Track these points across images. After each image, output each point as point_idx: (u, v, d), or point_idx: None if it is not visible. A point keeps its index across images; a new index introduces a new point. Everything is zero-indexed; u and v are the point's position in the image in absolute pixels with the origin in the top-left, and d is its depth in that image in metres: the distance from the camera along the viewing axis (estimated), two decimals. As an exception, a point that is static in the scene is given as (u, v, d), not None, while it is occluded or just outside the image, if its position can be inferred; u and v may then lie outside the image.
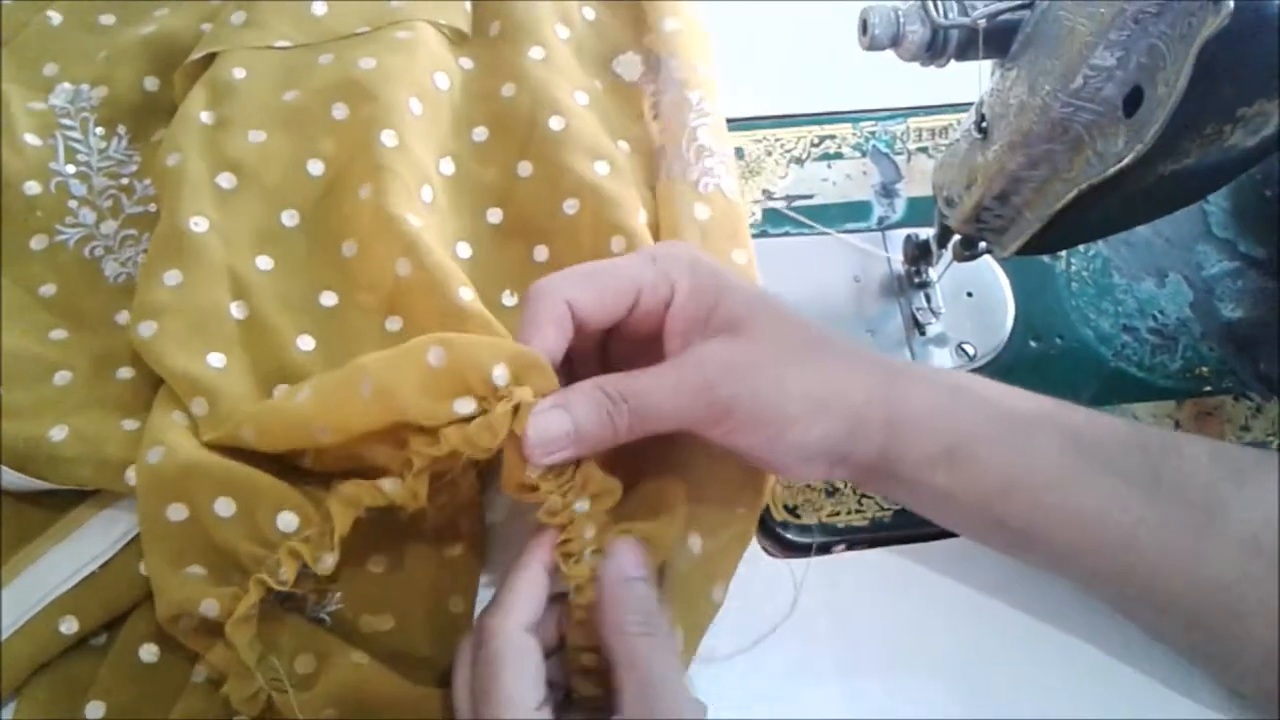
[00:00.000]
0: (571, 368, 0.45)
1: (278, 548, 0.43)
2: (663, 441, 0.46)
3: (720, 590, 0.47)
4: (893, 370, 0.46)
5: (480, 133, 0.58)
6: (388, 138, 0.54)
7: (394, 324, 0.51)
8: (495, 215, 0.57)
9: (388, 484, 0.44)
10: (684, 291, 0.44)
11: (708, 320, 0.44)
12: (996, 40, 0.45)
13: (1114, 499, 0.44)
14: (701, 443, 0.46)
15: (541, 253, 0.56)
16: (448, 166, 0.57)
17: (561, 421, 0.42)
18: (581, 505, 0.44)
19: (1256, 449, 0.48)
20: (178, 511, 0.44)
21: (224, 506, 0.44)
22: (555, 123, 0.56)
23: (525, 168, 0.56)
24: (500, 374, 0.41)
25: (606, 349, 0.48)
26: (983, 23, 0.45)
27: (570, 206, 0.55)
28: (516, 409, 0.41)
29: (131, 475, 0.46)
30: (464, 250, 0.56)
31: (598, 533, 0.44)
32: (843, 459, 0.45)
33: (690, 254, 0.46)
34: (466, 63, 0.60)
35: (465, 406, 0.42)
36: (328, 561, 0.44)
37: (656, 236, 0.55)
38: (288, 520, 0.44)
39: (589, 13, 0.63)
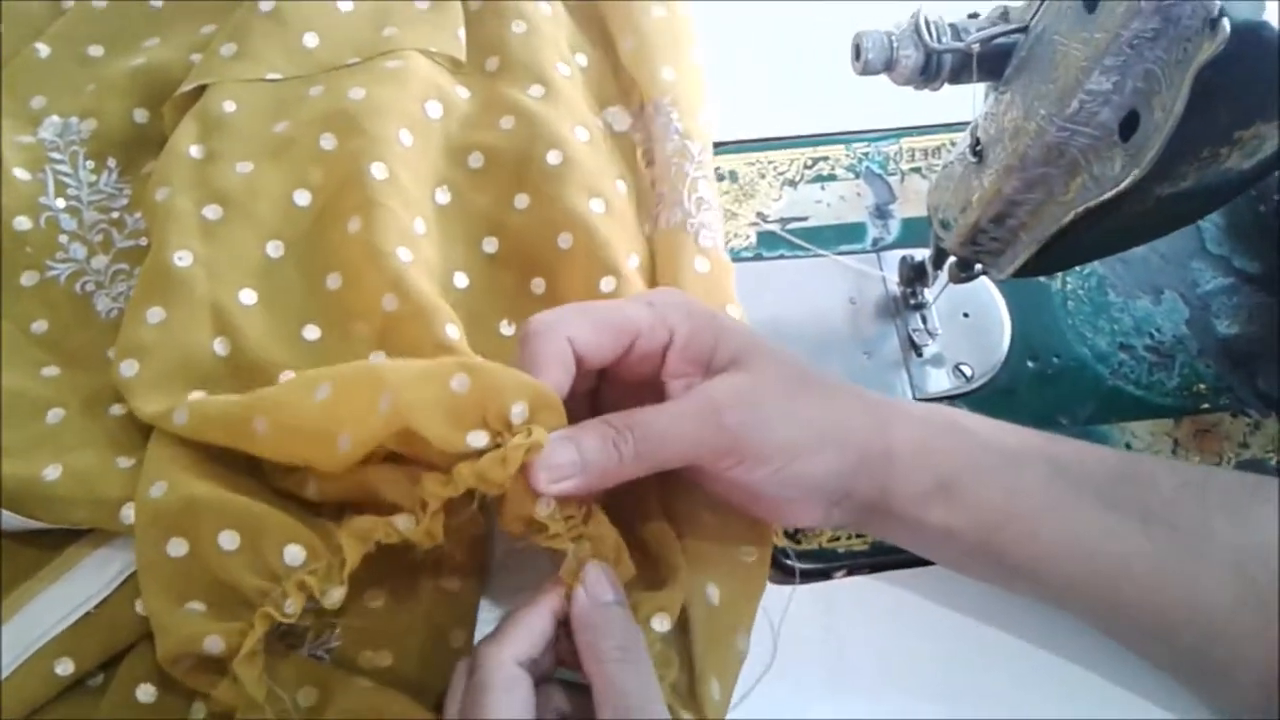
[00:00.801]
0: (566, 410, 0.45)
1: (284, 581, 0.43)
2: (664, 494, 0.46)
3: (744, 639, 0.47)
4: (885, 406, 0.46)
5: (476, 159, 0.58)
6: (377, 170, 0.54)
7: (380, 359, 0.51)
8: (491, 245, 0.57)
9: (402, 521, 0.43)
10: (683, 335, 0.44)
11: (709, 362, 0.45)
12: (990, 64, 0.45)
13: (1106, 530, 0.44)
14: (703, 494, 0.46)
15: (539, 285, 0.55)
16: (443, 195, 0.57)
17: (567, 450, 0.42)
18: None
19: (1246, 474, 0.48)
20: (178, 546, 0.44)
21: (228, 540, 0.43)
22: (553, 156, 0.56)
23: (522, 200, 0.56)
24: (519, 411, 0.41)
25: (598, 395, 0.48)
26: (976, 47, 0.45)
27: (564, 241, 0.54)
28: (530, 450, 0.41)
29: (127, 513, 0.46)
30: (461, 280, 0.55)
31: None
32: (845, 496, 0.45)
33: (685, 299, 0.46)
34: (463, 92, 0.60)
35: (478, 440, 0.41)
36: (336, 595, 0.43)
37: (650, 282, 0.55)
38: (294, 553, 0.43)
39: (581, 59, 0.62)
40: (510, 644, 0.42)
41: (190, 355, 0.50)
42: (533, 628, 0.43)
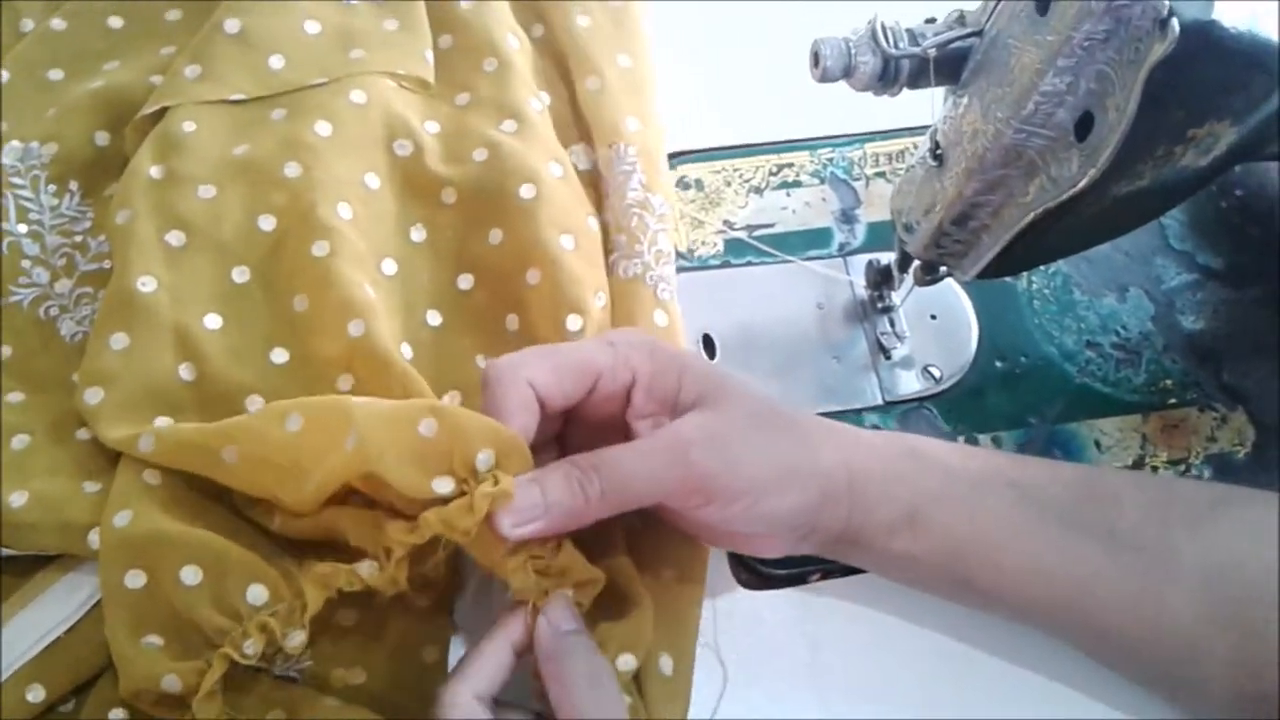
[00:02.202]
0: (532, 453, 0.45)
1: (246, 621, 0.43)
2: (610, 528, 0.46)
3: (684, 708, 0.47)
4: (849, 438, 0.47)
5: (449, 195, 0.57)
6: (343, 210, 0.54)
7: (345, 383, 0.51)
8: (466, 281, 0.56)
9: (365, 568, 0.43)
10: (646, 375, 0.44)
11: (675, 402, 0.45)
12: (947, 68, 0.46)
13: (1069, 552, 0.44)
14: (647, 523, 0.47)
15: (513, 321, 0.55)
16: (418, 234, 0.57)
17: (531, 493, 0.42)
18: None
19: (1210, 485, 0.49)
20: (135, 578, 0.44)
21: (190, 575, 0.43)
22: (526, 190, 0.55)
23: (496, 235, 0.56)
24: (485, 459, 0.41)
25: (564, 437, 0.48)
26: (933, 52, 0.45)
27: (533, 277, 0.54)
28: (496, 498, 0.41)
29: (95, 538, 0.45)
30: (434, 318, 0.55)
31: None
32: (811, 530, 0.45)
33: (647, 339, 0.46)
34: (432, 126, 0.60)
35: (444, 486, 0.41)
36: (297, 639, 0.43)
37: (615, 324, 0.55)
38: (257, 593, 0.43)
39: (546, 97, 0.62)
40: (470, 680, 0.41)
41: (155, 381, 0.49)
42: (491, 661, 0.42)
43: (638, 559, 0.48)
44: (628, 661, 0.44)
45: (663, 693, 0.46)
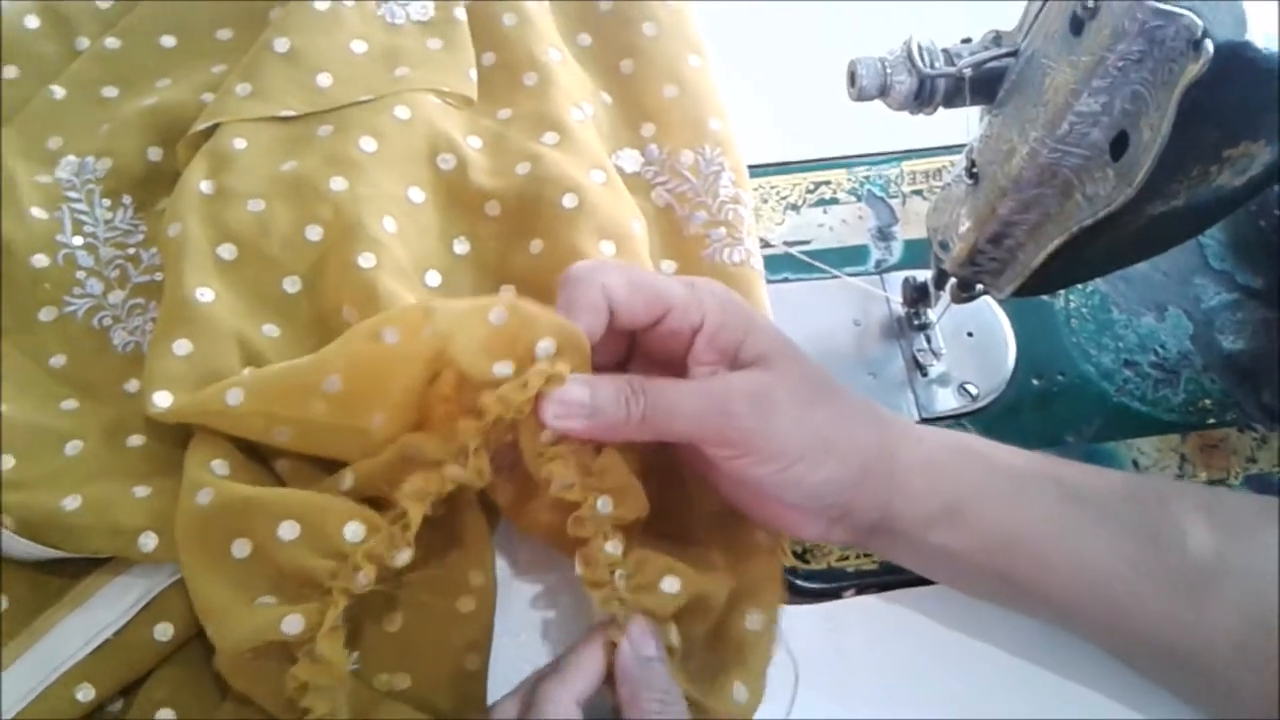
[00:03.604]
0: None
1: (349, 557, 0.44)
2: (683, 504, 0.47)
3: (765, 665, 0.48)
4: (896, 425, 0.47)
5: (493, 207, 0.58)
6: (388, 223, 0.55)
7: (379, 419, 0.51)
8: (508, 292, 0.57)
9: (451, 469, 0.44)
10: (714, 322, 0.45)
11: (735, 355, 0.45)
12: (983, 88, 0.46)
13: (1114, 553, 0.44)
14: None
15: None
16: (461, 246, 0.58)
17: (580, 391, 0.43)
18: (604, 505, 0.45)
19: (1255, 496, 0.48)
20: (242, 547, 0.45)
21: (288, 530, 0.44)
22: (569, 200, 0.56)
23: (536, 245, 0.56)
24: (546, 347, 0.43)
25: (624, 369, 0.48)
26: (968, 71, 0.45)
27: None
28: (550, 378, 0.43)
29: (145, 541, 0.47)
30: None
31: (627, 558, 0.45)
32: (845, 513, 0.45)
33: (725, 290, 0.47)
34: (475, 141, 0.61)
35: (504, 369, 0.43)
36: (404, 556, 0.45)
37: None
38: (355, 530, 0.44)
39: (588, 108, 0.63)
40: (570, 684, 0.43)
41: (223, 379, 0.50)
42: (587, 667, 0.44)
43: (727, 531, 0.49)
44: (672, 584, 0.45)
45: (752, 645, 0.47)
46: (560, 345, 0.43)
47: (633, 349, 0.48)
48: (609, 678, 0.44)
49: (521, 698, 0.44)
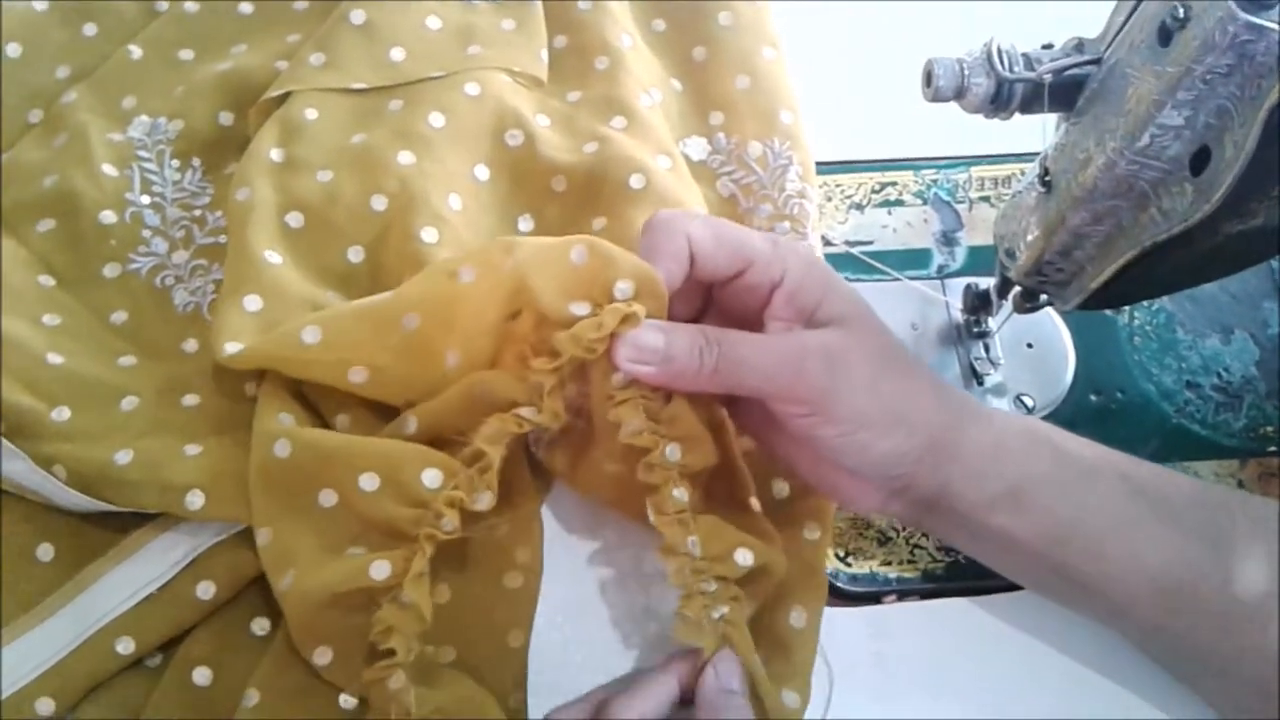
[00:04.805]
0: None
1: (430, 504, 0.44)
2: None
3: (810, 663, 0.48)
4: (966, 405, 0.46)
5: (560, 183, 0.58)
6: (454, 200, 0.56)
7: (454, 358, 0.52)
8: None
9: (526, 411, 0.45)
10: (794, 279, 0.45)
11: (812, 315, 0.45)
12: (1061, 95, 0.45)
13: (1177, 553, 0.43)
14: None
15: None
16: (525, 223, 0.58)
17: (655, 337, 0.43)
18: (672, 452, 0.45)
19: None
20: (329, 497, 0.46)
21: (368, 481, 0.45)
22: (636, 180, 0.56)
23: (599, 222, 0.57)
24: (623, 288, 0.43)
25: (701, 323, 0.48)
26: (1048, 77, 0.45)
27: None
28: (625, 318, 0.43)
29: (192, 499, 0.47)
30: None
31: (699, 521, 0.45)
32: (905, 486, 0.45)
33: (807, 250, 0.47)
34: (544, 120, 0.61)
35: (581, 309, 0.43)
36: (485, 499, 0.45)
37: None
38: (433, 476, 0.45)
39: (656, 94, 0.63)
40: (641, 703, 0.43)
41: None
42: (662, 694, 0.44)
43: (779, 516, 0.50)
44: (745, 557, 0.45)
45: (796, 643, 0.47)
46: (638, 288, 0.43)
47: (708, 304, 0.48)
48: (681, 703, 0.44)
49: (588, 708, 0.44)
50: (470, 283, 0.45)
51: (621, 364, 0.43)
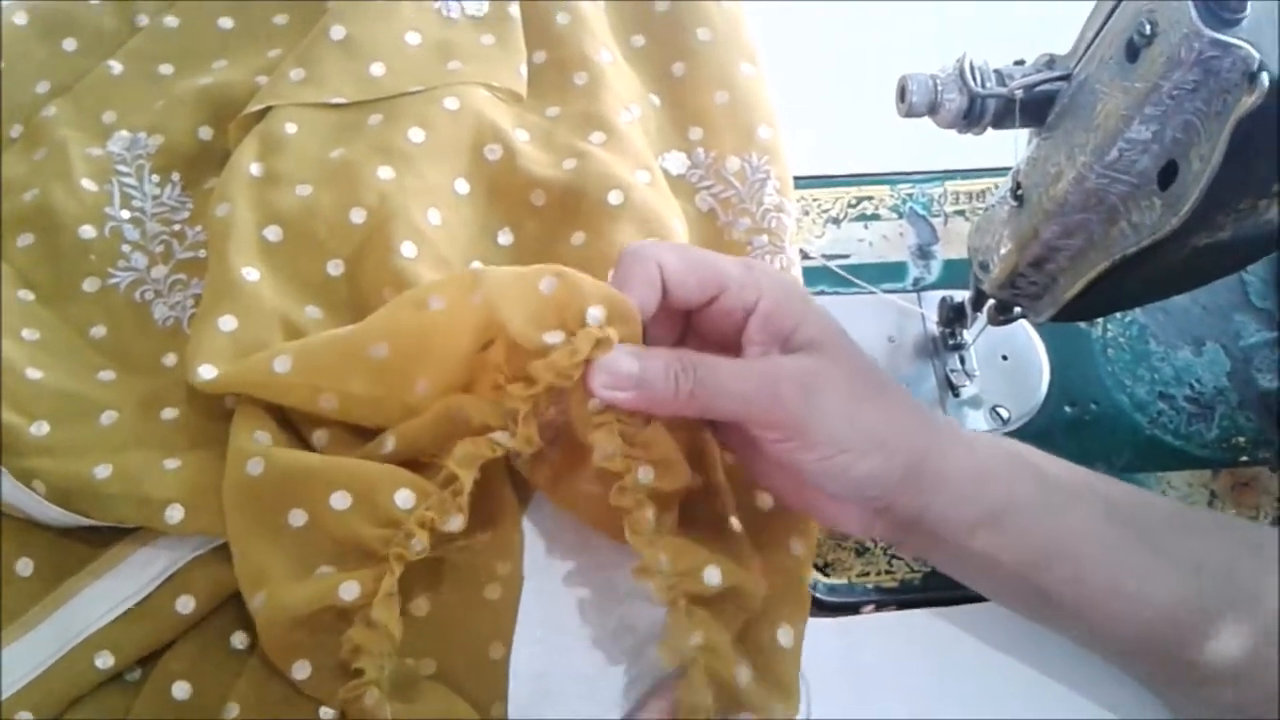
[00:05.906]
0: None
1: (402, 524, 0.45)
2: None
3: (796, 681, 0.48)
4: (944, 427, 0.46)
5: (539, 197, 0.59)
6: (433, 215, 0.56)
7: (424, 386, 0.52)
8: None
9: (500, 436, 0.45)
10: (769, 304, 0.45)
11: (788, 339, 0.45)
12: (1033, 110, 0.46)
13: (1156, 576, 0.44)
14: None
15: None
16: (505, 237, 0.59)
17: (629, 363, 0.43)
18: (645, 475, 0.45)
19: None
20: (299, 517, 0.46)
21: (340, 500, 0.45)
22: (614, 196, 0.57)
23: (579, 237, 0.57)
24: (595, 314, 0.43)
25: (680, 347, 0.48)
26: (1019, 93, 0.45)
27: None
28: (599, 343, 0.43)
29: (171, 514, 0.47)
30: None
31: (672, 533, 0.45)
32: (886, 508, 0.45)
33: (779, 273, 0.47)
34: (523, 135, 0.61)
35: (554, 338, 0.44)
36: (455, 522, 0.45)
37: None
38: (405, 497, 0.45)
39: (635, 110, 0.63)
40: None
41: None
42: None
43: (764, 532, 0.50)
44: (713, 574, 0.45)
45: (782, 661, 0.47)
46: (610, 314, 0.43)
47: (687, 331, 0.48)
48: None
49: None
50: (440, 310, 0.46)
51: (596, 390, 0.43)
